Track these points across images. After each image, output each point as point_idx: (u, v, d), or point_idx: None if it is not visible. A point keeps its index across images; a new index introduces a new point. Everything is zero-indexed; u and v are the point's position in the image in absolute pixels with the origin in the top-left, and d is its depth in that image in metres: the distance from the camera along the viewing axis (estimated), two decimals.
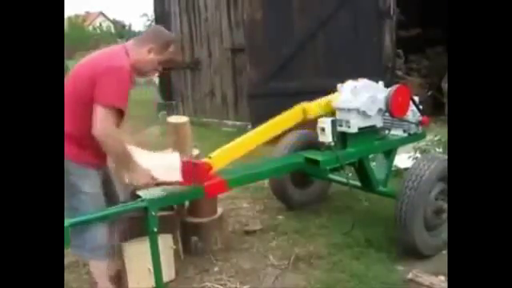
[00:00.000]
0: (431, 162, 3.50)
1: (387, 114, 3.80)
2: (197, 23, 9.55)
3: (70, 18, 31.46)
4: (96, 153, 2.82)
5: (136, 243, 3.25)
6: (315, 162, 3.59)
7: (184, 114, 8.31)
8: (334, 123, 3.63)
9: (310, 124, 3.79)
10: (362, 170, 4.00)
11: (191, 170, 3.00)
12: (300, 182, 4.58)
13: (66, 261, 3.50)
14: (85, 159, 2.83)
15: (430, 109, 7.43)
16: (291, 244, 3.93)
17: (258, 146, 3.47)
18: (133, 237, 3.32)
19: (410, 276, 3.26)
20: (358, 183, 4.17)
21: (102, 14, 53.73)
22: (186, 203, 3.87)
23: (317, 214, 4.49)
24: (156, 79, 11.13)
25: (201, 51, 9.58)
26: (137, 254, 3.20)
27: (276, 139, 4.22)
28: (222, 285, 3.40)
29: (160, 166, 3.02)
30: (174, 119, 3.98)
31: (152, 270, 2.92)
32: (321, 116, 3.74)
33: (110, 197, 3.09)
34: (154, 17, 11.23)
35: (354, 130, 3.66)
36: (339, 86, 3.89)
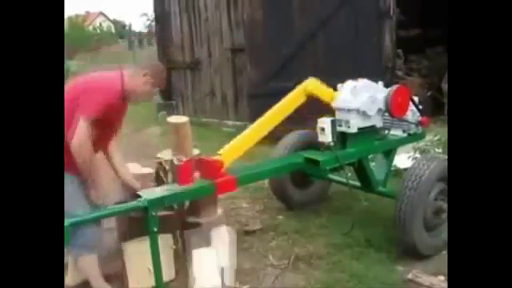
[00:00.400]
0: (431, 162, 3.50)
1: (387, 114, 3.81)
2: (197, 23, 9.54)
3: (70, 17, 31.39)
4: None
5: (135, 243, 3.25)
6: (315, 162, 3.59)
7: (184, 114, 8.30)
8: (333, 123, 3.63)
9: (310, 124, 3.80)
10: (361, 170, 4.00)
11: (204, 168, 3.13)
12: (300, 182, 4.58)
13: (66, 260, 3.49)
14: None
15: (430, 109, 7.42)
16: (291, 244, 3.93)
17: (260, 140, 3.57)
18: (133, 237, 3.33)
19: (409, 276, 3.26)
20: (357, 183, 4.17)
21: (102, 13, 53.76)
22: (186, 203, 3.86)
23: (316, 214, 4.49)
24: None
25: (201, 51, 9.56)
26: (136, 253, 3.20)
27: (276, 140, 4.25)
28: None
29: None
30: (174, 119, 3.98)
31: (152, 270, 2.93)
32: (322, 93, 3.77)
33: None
34: (154, 16, 11.22)
35: (353, 130, 3.67)
36: (339, 85, 3.89)
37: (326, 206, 4.70)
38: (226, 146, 3.39)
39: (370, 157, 4.11)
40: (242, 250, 3.90)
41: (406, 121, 4.00)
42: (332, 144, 3.61)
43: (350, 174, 4.03)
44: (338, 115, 3.72)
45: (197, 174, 3.29)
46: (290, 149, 4.27)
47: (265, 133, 3.58)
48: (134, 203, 2.92)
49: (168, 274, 3.26)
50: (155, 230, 2.84)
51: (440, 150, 5.09)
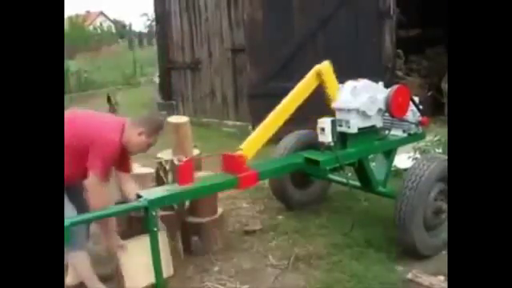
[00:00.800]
0: (431, 162, 3.50)
1: (387, 114, 3.81)
2: (197, 23, 9.54)
3: (70, 17, 31.39)
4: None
5: (133, 241, 3.25)
6: (315, 162, 3.59)
7: (184, 114, 8.31)
8: (333, 123, 3.63)
9: (310, 124, 3.80)
10: (361, 171, 4.00)
11: (228, 162, 3.29)
12: (300, 182, 4.58)
13: (66, 261, 3.50)
14: None
15: (430, 109, 7.42)
16: (291, 244, 3.93)
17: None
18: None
19: (409, 276, 3.26)
20: (357, 183, 4.17)
21: (102, 13, 53.72)
22: (187, 203, 3.87)
23: (316, 214, 4.49)
24: (156, 79, 11.13)
25: (201, 51, 9.57)
26: (134, 252, 3.21)
27: (277, 140, 4.25)
28: (221, 284, 3.40)
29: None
30: (174, 119, 3.99)
31: (149, 268, 2.93)
32: (330, 81, 3.82)
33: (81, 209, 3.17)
34: (154, 16, 11.23)
35: (353, 130, 3.67)
36: (339, 86, 3.89)
37: (326, 206, 4.70)
38: (246, 141, 3.49)
39: (370, 157, 4.11)
40: (242, 250, 3.91)
41: (407, 121, 4.00)
42: (332, 144, 3.61)
43: (350, 174, 4.03)
44: (338, 115, 3.72)
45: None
46: (290, 149, 4.27)
47: (281, 123, 3.65)
48: (134, 203, 2.92)
49: (166, 271, 3.26)
50: (155, 229, 2.84)
51: (440, 150, 5.09)
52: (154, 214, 2.83)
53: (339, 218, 4.33)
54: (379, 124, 3.84)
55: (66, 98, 10.52)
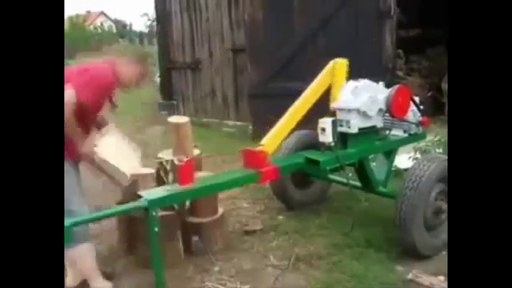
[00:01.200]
0: (431, 162, 3.50)
1: (387, 114, 3.80)
2: (198, 23, 9.54)
3: (70, 17, 31.41)
4: (73, 147, 3.07)
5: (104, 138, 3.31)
6: (316, 163, 3.59)
7: (185, 114, 8.31)
8: (334, 123, 3.63)
9: (310, 124, 3.80)
10: (362, 171, 4.00)
11: (250, 158, 3.38)
12: (300, 183, 4.58)
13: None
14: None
15: (431, 109, 7.42)
16: (291, 244, 3.93)
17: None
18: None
19: (409, 276, 3.26)
20: (358, 183, 4.17)
21: (103, 13, 53.77)
22: (187, 203, 3.87)
23: (317, 214, 4.49)
24: (157, 79, 11.12)
25: (202, 51, 9.56)
26: (108, 147, 3.28)
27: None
28: (222, 285, 3.40)
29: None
30: (174, 119, 3.99)
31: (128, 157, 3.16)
32: (339, 77, 3.87)
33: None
34: (154, 16, 11.22)
35: (354, 130, 3.67)
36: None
37: (327, 206, 4.70)
38: (267, 137, 3.56)
39: (370, 157, 4.11)
40: (242, 250, 3.91)
41: (407, 121, 4.00)
42: (333, 144, 3.61)
43: (350, 175, 4.03)
44: (339, 115, 3.72)
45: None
46: (291, 149, 4.27)
47: (300, 117, 3.71)
48: (134, 203, 2.92)
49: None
50: (156, 230, 2.84)
51: (440, 151, 5.09)
52: (154, 214, 2.83)
53: (340, 218, 4.33)
54: (380, 124, 3.84)
55: None
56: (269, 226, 4.32)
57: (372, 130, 3.82)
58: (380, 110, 3.75)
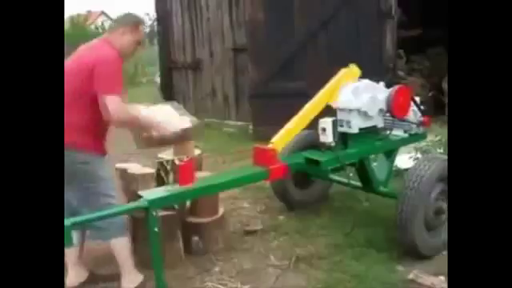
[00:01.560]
0: (432, 162, 3.50)
1: (388, 114, 3.80)
2: (198, 23, 9.54)
3: (71, 17, 31.38)
4: (104, 142, 3.19)
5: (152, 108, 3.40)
6: (316, 163, 3.59)
7: None
8: (334, 123, 3.62)
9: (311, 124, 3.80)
10: (362, 171, 4.00)
11: (259, 155, 3.40)
12: (301, 183, 4.58)
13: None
14: (98, 149, 3.15)
15: (431, 109, 7.42)
16: (292, 244, 3.93)
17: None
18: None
19: (410, 276, 3.25)
20: (358, 183, 4.16)
21: (103, 13, 53.71)
22: (188, 203, 3.87)
23: (317, 214, 4.49)
24: (157, 79, 11.12)
25: (202, 51, 9.56)
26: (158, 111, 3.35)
27: None
28: (222, 285, 3.40)
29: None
30: None
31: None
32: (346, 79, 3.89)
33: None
34: (155, 16, 11.21)
35: (354, 130, 3.66)
36: (341, 86, 3.88)
37: (327, 206, 4.70)
38: (277, 135, 3.55)
39: (371, 157, 4.10)
40: (243, 250, 3.91)
41: (408, 121, 4.00)
42: (333, 144, 3.60)
43: (351, 175, 4.03)
44: (340, 115, 3.72)
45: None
46: (291, 149, 4.26)
47: (312, 117, 3.71)
48: (135, 203, 2.92)
49: None
50: (156, 230, 2.84)
51: (441, 150, 5.09)
52: (154, 214, 2.82)
53: (340, 218, 4.33)
54: (380, 124, 3.84)
55: None
56: (269, 226, 4.32)
57: (373, 130, 3.81)
58: (381, 110, 3.75)
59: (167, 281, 3.02)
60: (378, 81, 3.92)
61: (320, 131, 3.67)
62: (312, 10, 7.09)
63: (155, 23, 13.26)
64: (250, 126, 7.73)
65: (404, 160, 5.09)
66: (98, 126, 3.10)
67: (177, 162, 3.50)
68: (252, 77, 7.57)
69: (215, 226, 3.87)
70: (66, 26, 20.71)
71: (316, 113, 3.73)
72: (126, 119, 3.00)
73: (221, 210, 3.98)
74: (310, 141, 4.21)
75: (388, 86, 3.92)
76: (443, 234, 3.56)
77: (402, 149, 4.54)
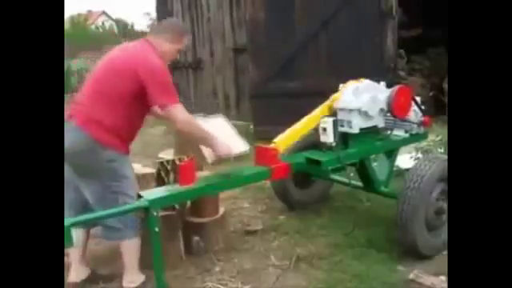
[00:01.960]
0: (432, 162, 3.49)
1: (389, 114, 3.80)
2: (199, 23, 9.55)
3: (72, 16, 31.41)
4: (129, 142, 3.20)
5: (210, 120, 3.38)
6: (317, 163, 3.59)
7: None
8: (335, 123, 3.62)
9: None
10: (363, 171, 3.99)
11: (261, 155, 3.41)
12: (301, 182, 4.58)
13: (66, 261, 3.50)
14: (125, 148, 3.15)
15: (432, 109, 7.41)
16: (292, 244, 3.93)
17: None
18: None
19: (411, 276, 3.25)
20: (359, 183, 4.16)
21: (104, 13, 53.74)
22: (188, 203, 3.87)
23: (318, 214, 4.49)
24: None
25: (203, 51, 9.57)
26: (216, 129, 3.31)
27: None
28: (223, 285, 3.39)
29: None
30: None
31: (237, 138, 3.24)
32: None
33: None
34: (156, 16, 11.22)
35: (355, 130, 3.66)
36: (341, 86, 3.88)
37: (328, 206, 4.70)
38: (281, 135, 3.58)
39: (372, 157, 4.10)
40: (243, 250, 3.91)
41: (409, 121, 3.99)
42: (334, 144, 3.60)
43: (352, 175, 4.02)
44: (340, 115, 3.72)
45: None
46: (292, 149, 4.25)
47: (318, 122, 3.69)
48: (135, 203, 2.92)
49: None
50: (156, 230, 2.84)
51: (442, 150, 5.09)
52: (155, 214, 2.82)
53: (341, 218, 4.33)
54: (381, 124, 3.83)
55: (67, 97, 10.53)
56: (270, 226, 4.32)
57: (373, 130, 3.81)
58: (381, 109, 3.74)
59: (167, 281, 3.02)
60: (378, 81, 3.91)
61: (321, 131, 3.66)
62: (313, 10, 7.08)
63: (156, 23, 13.26)
64: (251, 126, 7.73)
65: (405, 160, 5.09)
66: (132, 128, 3.16)
67: (177, 162, 3.51)
68: (252, 77, 7.57)
69: (216, 226, 3.88)
70: (67, 25, 20.72)
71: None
72: (194, 130, 3.06)
73: (221, 210, 3.98)
74: (310, 141, 4.21)
75: (389, 85, 3.91)
76: (444, 234, 3.56)
77: (403, 149, 4.54)
